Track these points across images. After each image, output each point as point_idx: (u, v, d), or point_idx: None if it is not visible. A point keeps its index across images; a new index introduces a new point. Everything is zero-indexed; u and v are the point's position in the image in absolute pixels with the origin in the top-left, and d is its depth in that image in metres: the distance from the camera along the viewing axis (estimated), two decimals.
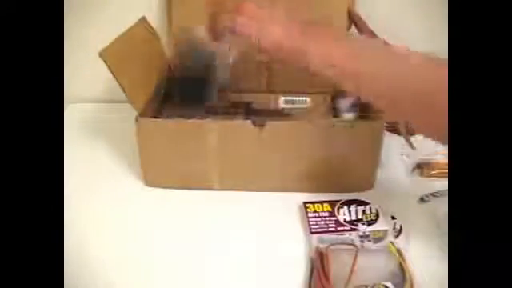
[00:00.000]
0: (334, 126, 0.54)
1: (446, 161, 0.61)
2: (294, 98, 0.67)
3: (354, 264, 0.45)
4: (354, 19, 0.59)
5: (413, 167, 0.63)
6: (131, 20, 0.61)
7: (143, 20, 0.61)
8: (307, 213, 0.54)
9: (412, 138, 0.64)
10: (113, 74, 0.53)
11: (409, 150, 0.63)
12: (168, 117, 0.54)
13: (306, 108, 0.66)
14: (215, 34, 0.49)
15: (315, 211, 0.54)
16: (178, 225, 0.55)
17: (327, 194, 0.57)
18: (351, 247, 0.48)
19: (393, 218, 0.53)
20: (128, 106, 0.55)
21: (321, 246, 0.49)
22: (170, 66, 0.67)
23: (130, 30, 0.58)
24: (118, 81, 0.53)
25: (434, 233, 0.52)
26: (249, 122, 0.55)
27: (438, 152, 0.62)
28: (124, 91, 0.54)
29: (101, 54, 0.52)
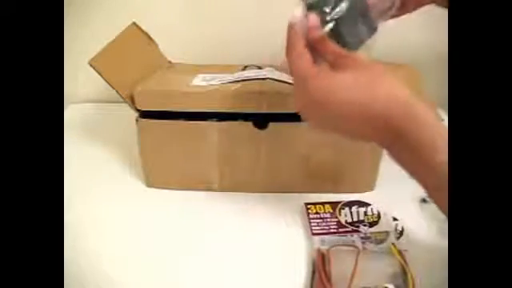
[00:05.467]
0: None
1: None
2: None
3: (355, 265, 0.45)
4: None
5: None
6: (132, 19, 0.61)
7: (134, 25, 0.61)
8: (308, 214, 0.54)
9: None
10: (106, 80, 0.54)
11: None
12: None
13: None
14: None
15: (316, 212, 0.54)
16: (178, 225, 0.55)
17: (328, 195, 0.57)
18: (353, 248, 0.48)
19: (394, 219, 0.53)
20: (128, 106, 0.56)
21: (322, 247, 0.49)
22: (170, 62, 0.67)
23: (119, 36, 0.58)
24: (112, 86, 0.54)
25: (435, 234, 0.52)
26: (250, 122, 0.55)
27: None
28: (121, 96, 0.55)
29: (91, 63, 0.52)
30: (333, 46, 0.41)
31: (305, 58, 0.41)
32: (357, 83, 0.38)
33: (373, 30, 0.43)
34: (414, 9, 0.50)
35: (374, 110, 0.37)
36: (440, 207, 0.36)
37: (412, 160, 0.37)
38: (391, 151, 0.39)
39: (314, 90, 0.39)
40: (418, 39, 0.75)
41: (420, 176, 0.37)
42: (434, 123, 0.36)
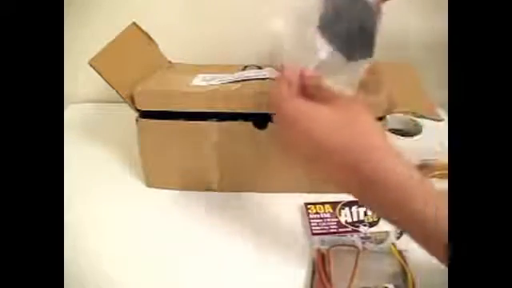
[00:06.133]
0: None
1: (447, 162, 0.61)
2: None
3: (355, 265, 0.45)
4: None
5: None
6: (132, 19, 0.61)
7: (134, 25, 0.61)
8: (308, 214, 0.54)
9: (414, 138, 0.64)
10: (106, 80, 0.54)
11: (410, 151, 0.62)
12: None
13: None
14: None
15: (316, 212, 0.54)
16: (178, 225, 0.55)
17: (328, 195, 0.57)
18: (353, 248, 0.48)
19: None
20: (128, 106, 0.56)
21: (322, 247, 0.49)
22: (170, 62, 0.67)
23: (119, 36, 0.58)
24: (112, 86, 0.54)
25: None
26: (250, 122, 0.55)
27: (439, 153, 0.62)
28: (121, 96, 0.55)
29: (91, 63, 0.52)
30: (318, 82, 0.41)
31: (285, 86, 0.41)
32: (332, 123, 0.38)
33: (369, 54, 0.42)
34: None
35: (344, 158, 0.37)
36: (427, 251, 0.36)
37: (387, 210, 0.37)
38: (364, 201, 0.40)
39: (290, 114, 0.39)
40: (417, 39, 0.75)
41: (399, 224, 0.38)
42: (407, 174, 0.36)
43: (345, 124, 0.37)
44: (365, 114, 0.39)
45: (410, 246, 0.48)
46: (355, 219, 0.53)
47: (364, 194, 0.38)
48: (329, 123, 0.38)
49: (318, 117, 0.38)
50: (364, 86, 0.50)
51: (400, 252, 0.47)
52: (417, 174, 0.36)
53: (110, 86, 0.54)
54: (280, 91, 0.41)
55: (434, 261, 0.44)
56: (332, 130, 0.38)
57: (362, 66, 0.42)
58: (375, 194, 0.37)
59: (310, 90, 0.41)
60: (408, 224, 0.36)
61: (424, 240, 0.36)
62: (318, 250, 0.48)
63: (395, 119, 0.67)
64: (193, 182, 0.60)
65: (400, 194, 0.35)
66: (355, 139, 0.37)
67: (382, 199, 0.36)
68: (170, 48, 0.66)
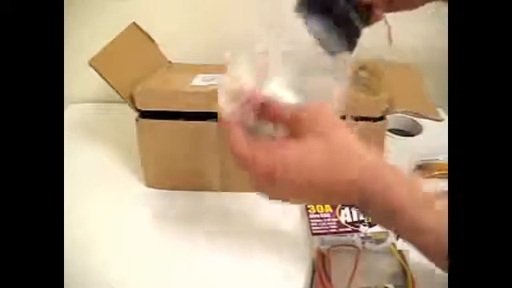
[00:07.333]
0: None
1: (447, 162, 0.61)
2: None
3: (355, 265, 0.45)
4: None
5: (414, 169, 0.63)
6: (132, 19, 0.61)
7: (134, 25, 0.61)
8: (308, 214, 0.54)
9: (414, 138, 0.63)
10: (106, 80, 0.54)
11: (410, 151, 0.62)
12: None
13: None
14: None
15: (316, 212, 0.54)
16: (178, 226, 0.55)
17: None
18: (353, 248, 0.48)
19: None
20: (128, 106, 0.56)
21: (322, 247, 0.49)
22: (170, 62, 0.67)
23: (119, 36, 0.58)
24: (112, 86, 0.54)
25: None
26: None
27: (440, 153, 0.62)
28: (121, 96, 0.55)
29: (91, 63, 0.52)
30: (282, 112, 0.39)
31: (243, 141, 0.40)
32: (316, 154, 0.36)
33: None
34: (422, 4, 0.49)
35: (342, 179, 0.36)
36: (419, 251, 0.36)
37: (384, 218, 0.37)
38: (362, 209, 0.39)
39: (269, 163, 0.38)
40: (418, 39, 0.75)
41: (392, 227, 0.38)
42: (403, 182, 0.36)
43: (336, 162, 0.36)
44: (343, 137, 0.38)
45: (410, 246, 0.49)
46: (355, 219, 0.53)
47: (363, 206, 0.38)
48: (308, 153, 0.37)
49: (304, 161, 0.37)
50: (365, 86, 0.50)
51: (400, 252, 0.47)
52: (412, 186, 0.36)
53: (110, 86, 0.54)
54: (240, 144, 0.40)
55: None
56: (316, 158, 0.36)
57: (344, 60, 0.41)
58: (381, 217, 0.37)
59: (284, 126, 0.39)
60: (412, 241, 0.36)
61: (425, 251, 0.36)
62: (318, 250, 0.48)
63: (395, 119, 0.68)
64: (193, 182, 0.60)
65: (403, 217, 0.35)
66: (347, 161, 0.37)
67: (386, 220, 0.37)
68: (170, 48, 0.66)
